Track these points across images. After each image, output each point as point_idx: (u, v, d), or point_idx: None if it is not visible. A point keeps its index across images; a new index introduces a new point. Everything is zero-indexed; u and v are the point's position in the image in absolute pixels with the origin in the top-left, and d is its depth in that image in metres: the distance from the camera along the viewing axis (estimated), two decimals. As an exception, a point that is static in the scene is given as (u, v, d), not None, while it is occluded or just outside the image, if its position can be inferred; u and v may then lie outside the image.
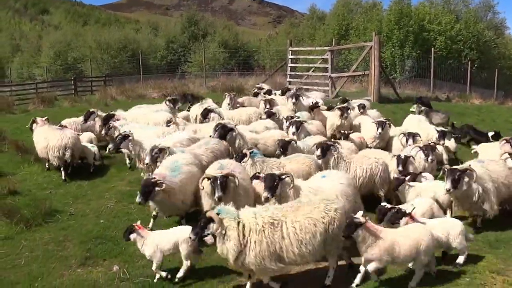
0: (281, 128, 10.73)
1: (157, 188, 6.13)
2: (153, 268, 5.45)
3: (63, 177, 9.37)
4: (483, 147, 9.44)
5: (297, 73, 22.88)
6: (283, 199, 5.88)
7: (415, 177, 7.53)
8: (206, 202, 6.17)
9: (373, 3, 36.65)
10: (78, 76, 30.32)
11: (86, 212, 7.84)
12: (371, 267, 5.04)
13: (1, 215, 7.28)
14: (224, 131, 8.73)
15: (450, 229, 5.64)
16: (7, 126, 13.95)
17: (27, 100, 20.85)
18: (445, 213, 7.00)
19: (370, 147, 10.07)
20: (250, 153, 7.42)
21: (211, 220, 4.85)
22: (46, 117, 10.74)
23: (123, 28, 49.08)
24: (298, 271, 5.66)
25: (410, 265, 5.42)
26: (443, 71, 26.13)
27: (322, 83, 20.52)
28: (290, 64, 21.95)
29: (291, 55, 21.89)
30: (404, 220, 5.60)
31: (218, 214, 4.88)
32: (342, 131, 10.49)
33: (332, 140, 9.02)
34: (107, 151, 10.03)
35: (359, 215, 5.09)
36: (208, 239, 5.23)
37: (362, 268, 5.24)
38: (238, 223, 4.84)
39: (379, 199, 7.75)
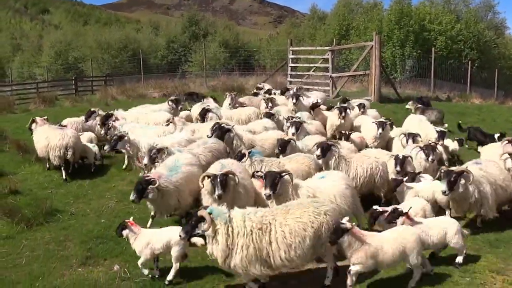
0: (281, 128, 10.73)
1: (150, 186, 6.16)
2: (139, 262, 5.48)
3: (64, 177, 9.38)
4: (486, 147, 9.42)
5: (298, 73, 22.89)
6: (282, 197, 5.87)
7: (414, 176, 7.54)
8: (206, 201, 6.18)
9: (373, 3, 36.67)
10: (78, 75, 30.34)
11: (87, 212, 7.85)
12: (353, 270, 5.00)
13: (2, 214, 7.29)
14: (221, 132, 8.72)
15: (447, 228, 5.65)
16: (8, 125, 13.98)
17: (28, 99, 20.85)
18: (444, 213, 7.01)
19: (371, 147, 10.07)
20: (249, 153, 7.44)
21: (202, 219, 4.80)
22: (46, 117, 10.76)
23: (124, 27, 49.12)
24: (298, 271, 5.64)
25: (408, 265, 5.42)
26: (444, 71, 26.12)
27: (322, 83, 20.54)
28: (290, 64, 21.95)
29: (292, 55, 21.89)
30: (400, 219, 5.61)
31: (210, 213, 4.82)
32: (343, 132, 10.48)
33: (332, 140, 9.01)
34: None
35: (346, 220, 5.03)
36: (198, 242, 5.22)
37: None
38: (227, 226, 4.78)
39: (379, 199, 7.76)
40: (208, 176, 6.00)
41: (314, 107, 12.28)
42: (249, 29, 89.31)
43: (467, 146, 11.97)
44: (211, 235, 4.78)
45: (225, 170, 6.09)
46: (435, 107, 15.38)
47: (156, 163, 7.51)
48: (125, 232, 5.51)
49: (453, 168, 6.73)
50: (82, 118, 11.70)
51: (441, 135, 10.08)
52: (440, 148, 9.57)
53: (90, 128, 11.42)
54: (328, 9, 60.42)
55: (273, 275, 5.25)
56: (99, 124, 11.04)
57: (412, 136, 9.47)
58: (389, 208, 5.89)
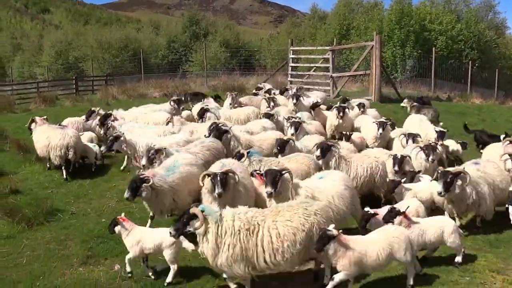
0: (280, 128, 10.71)
1: (144, 185, 6.15)
2: (126, 257, 5.47)
3: (64, 176, 9.39)
4: (488, 148, 9.38)
5: (298, 73, 22.90)
6: (282, 196, 5.87)
7: (414, 175, 7.53)
8: (206, 200, 6.18)
9: (374, 3, 36.70)
10: (79, 75, 30.36)
11: (87, 211, 7.86)
12: (337, 278, 4.92)
13: (2, 214, 7.30)
14: (219, 133, 8.72)
15: (444, 227, 5.65)
16: (8, 125, 13.98)
17: (28, 99, 20.85)
18: (443, 213, 7.01)
19: (372, 147, 10.07)
20: (247, 153, 7.44)
21: (194, 216, 4.75)
22: (45, 117, 10.77)
23: (124, 27, 49.04)
24: (298, 271, 5.64)
25: (399, 263, 5.41)
26: (444, 70, 26.12)
27: (323, 82, 20.54)
28: (291, 64, 21.95)
29: (292, 54, 21.89)
30: (398, 219, 5.61)
31: (202, 211, 4.78)
32: (344, 132, 10.44)
33: (331, 140, 9.01)
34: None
35: (332, 227, 4.92)
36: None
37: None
38: (218, 225, 4.75)
39: (379, 199, 7.77)
40: (208, 175, 6.00)
41: (314, 107, 12.28)
42: (250, 28, 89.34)
43: (480, 151, 11.91)
44: (201, 233, 4.75)
45: (225, 169, 6.09)
46: (430, 105, 15.31)
47: (154, 164, 7.48)
48: (117, 228, 5.51)
49: (450, 168, 6.68)
50: (83, 117, 11.72)
51: (441, 135, 10.08)
52: (440, 148, 9.57)
53: (90, 128, 11.43)
54: (329, 8, 60.45)
55: (273, 275, 5.25)
56: (98, 124, 11.06)
57: (412, 137, 9.46)
58: (385, 209, 5.89)
